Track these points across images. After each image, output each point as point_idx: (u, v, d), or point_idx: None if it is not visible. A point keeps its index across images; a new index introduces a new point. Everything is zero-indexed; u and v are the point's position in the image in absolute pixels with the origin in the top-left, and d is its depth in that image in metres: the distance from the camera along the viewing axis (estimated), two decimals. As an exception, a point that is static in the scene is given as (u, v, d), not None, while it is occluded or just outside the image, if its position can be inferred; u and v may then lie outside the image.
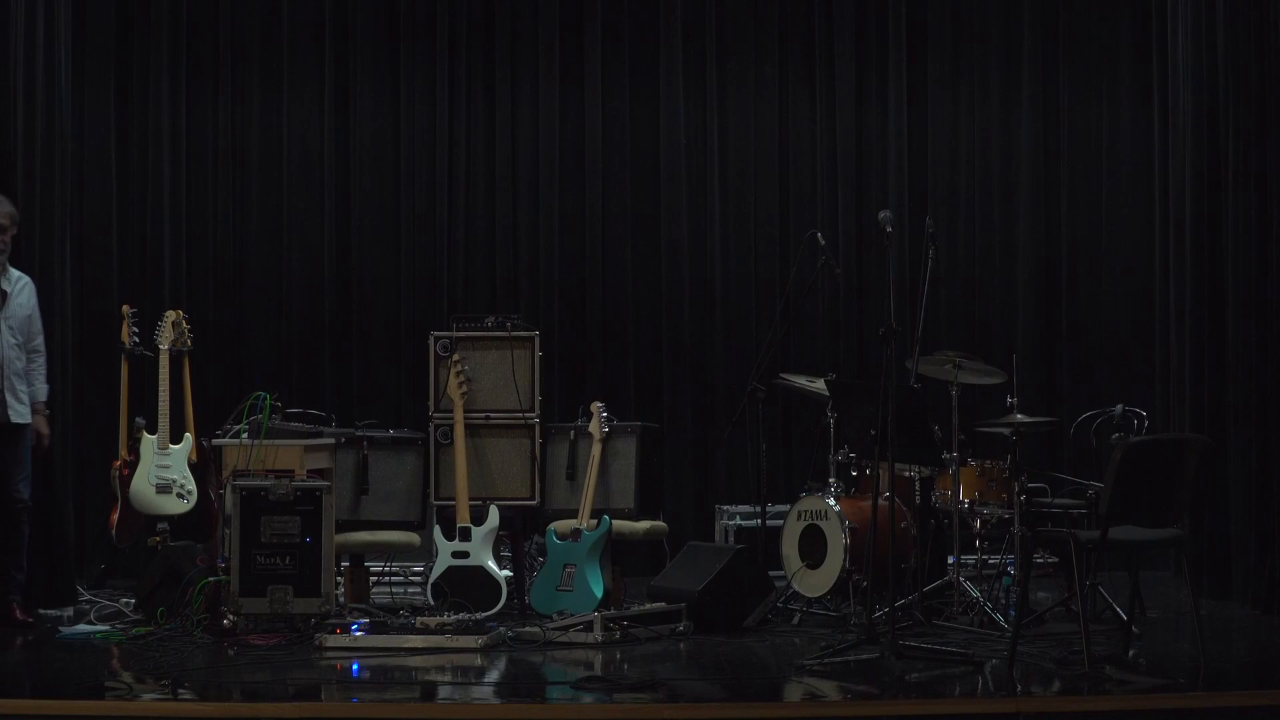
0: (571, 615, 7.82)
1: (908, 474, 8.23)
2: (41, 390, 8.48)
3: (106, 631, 7.86)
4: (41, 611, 8.57)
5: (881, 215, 7.66)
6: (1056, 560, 8.46)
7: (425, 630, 7.56)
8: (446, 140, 10.52)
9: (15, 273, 8.44)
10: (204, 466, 9.01)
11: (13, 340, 8.31)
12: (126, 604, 8.44)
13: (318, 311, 10.45)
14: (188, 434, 9.05)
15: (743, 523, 9.91)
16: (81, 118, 10.17)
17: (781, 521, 8.57)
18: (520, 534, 8.79)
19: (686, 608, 7.89)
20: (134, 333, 9.21)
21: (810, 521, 8.37)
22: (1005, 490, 8.13)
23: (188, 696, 6.52)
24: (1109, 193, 10.55)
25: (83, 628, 7.95)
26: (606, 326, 10.52)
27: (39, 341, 8.50)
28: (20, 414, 8.30)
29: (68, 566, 9.10)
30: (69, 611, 8.60)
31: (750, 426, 9.00)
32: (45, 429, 8.50)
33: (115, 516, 8.99)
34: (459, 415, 8.62)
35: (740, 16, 10.61)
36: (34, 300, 8.48)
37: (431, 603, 8.32)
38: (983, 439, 8.78)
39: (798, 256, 9.58)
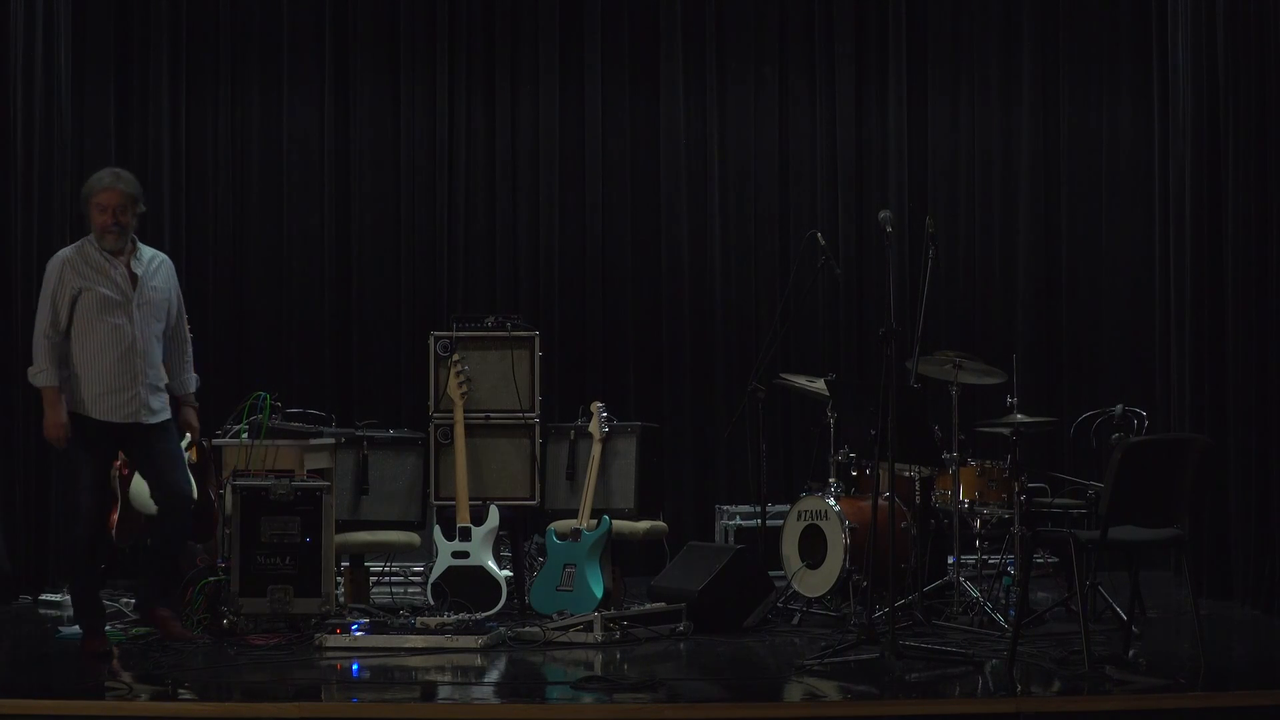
0: (571, 615, 7.82)
1: (908, 474, 8.23)
2: (190, 380, 7.71)
3: (107, 631, 7.84)
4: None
5: (881, 215, 7.66)
6: (1056, 560, 8.47)
7: (425, 630, 7.56)
8: (446, 140, 10.52)
9: (149, 251, 7.53)
10: (204, 466, 9.00)
11: (148, 330, 7.39)
12: (126, 604, 8.43)
13: (318, 311, 10.44)
14: (188, 434, 9.05)
15: (743, 523, 9.91)
16: (81, 117, 10.18)
17: (781, 521, 8.57)
18: (520, 534, 8.79)
19: (686, 608, 7.89)
20: (134, 333, 9.20)
21: (810, 521, 8.37)
22: (1005, 490, 8.13)
23: (188, 696, 6.51)
24: (1109, 193, 10.55)
25: (83, 628, 7.94)
26: (606, 326, 10.52)
27: (184, 327, 7.71)
28: (158, 414, 7.42)
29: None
30: (69, 611, 8.59)
31: (750, 426, 9.00)
32: (195, 422, 7.76)
33: (115, 516, 8.98)
34: (459, 415, 8.62)
35: (740, 16, 10.61)
36: (174, 281, 7.61)
37: (431, 603, 8.32)
38: (983, 439, 8.78)
39: (798, 256, 9.58)
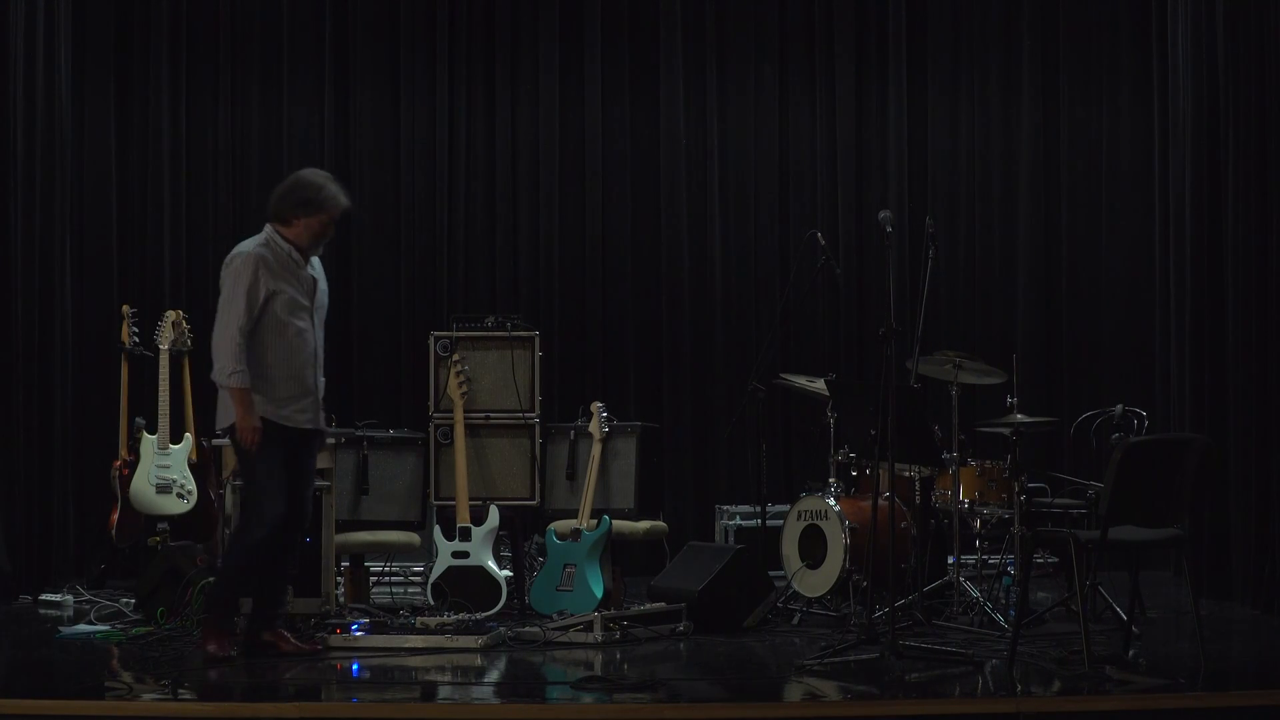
0: (571, 615, 7.82)
1: (908, 474, 8.23)
2: (321, 384, 7.44)
3: (106, 631, 7.86)
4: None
5: (881, 215, 7.66)
6: (1056, 560, 8.46)
7: (425, 630, 7.55)
8: (446, 140, 10.52)
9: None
10: (204, 466, 9.02)
11: (320, 334, 7.28)
12: (126, 604, 8.44)
13: (318, 311, 10.43)
14: (188, 434, 9.06)
15: (743, 523, 9.91)
16: (81, 118, 10.18)
17: (781, 521, 8.57)
18: (520, 534, 8.78)
19: (686, 608, 7.89)
20: (134, 333, 9.22)
21: (810, 521, 8.37)
22: (1005, 490, 8.13)
23: (188, 696, 6.52)
24: (1109, 193, 10.55)
25: (83, 628, 7.94)
26: (606, 326, 10.51)
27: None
28: (322, 419, 7.38)
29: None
30: (69, 611, 8.60)
31: (750, 426, 8.99)
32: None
33: (115, 516, 9.00)
34: (459, 415, 8.62)
35: (740, 17, 10.61)
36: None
37: (431, 603, 8.31)
38: (983, 439, 8.78)
39: (798, 256, 9.58)
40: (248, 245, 7.19)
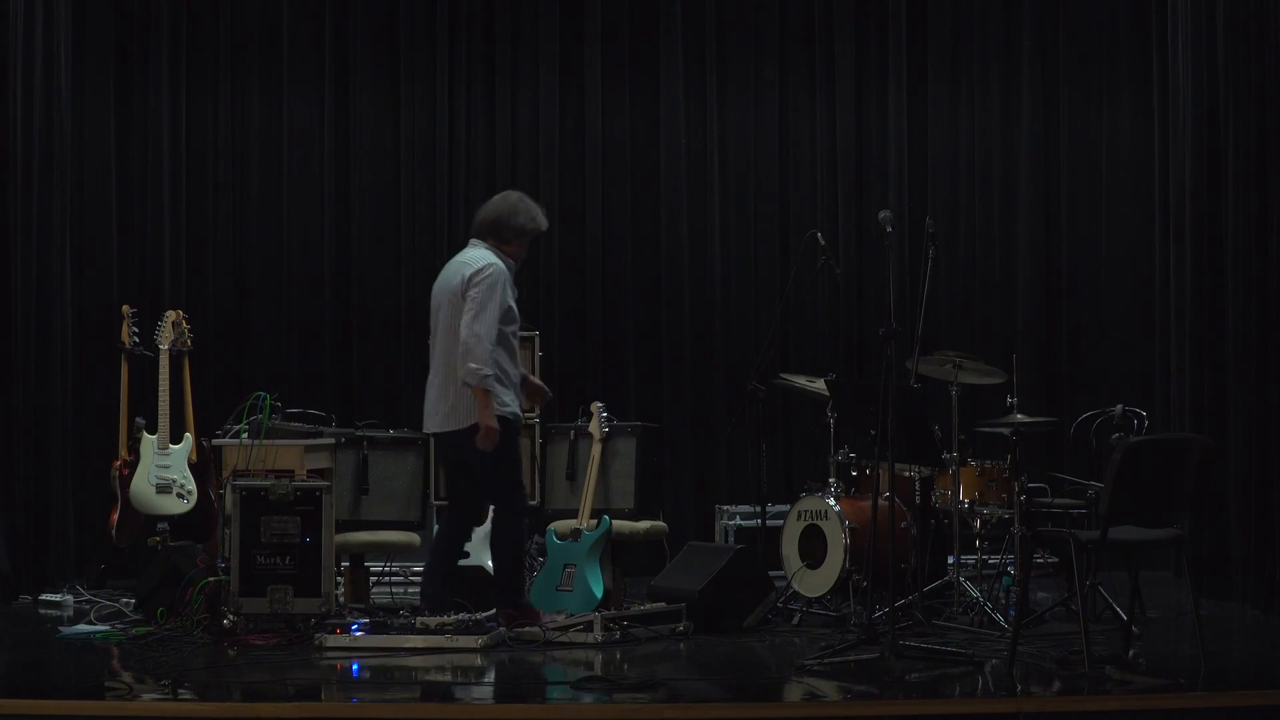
0: (571, 615, 7.82)
1: (908, 474, 8.23)
2: None
3: (106, 631, 7.86)
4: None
5: (881, 215, 7.66)
6: (1056, 560, 8.47)
7: (425, 630, 7.55)
8: (446, 140, 10.52)
9: None
10: (204, 466, 9.02)
11: None
12: (126, 604, 8.44)
13: (318, 311, 10.44)
14: (188, 434, 9.06)
15: (743, 523, 9.91)
16: (81, 118, 10.17)
17: (781, 521, 8.57)
18: (520, 534, 8.78)
19: (686, 608, 7.89)
20: (134, 333, 9.22)
21: (810, 521, 8.37)
22: (1005, 490, 8.13)
23: (188, 696, 6.51)
24: (1109, 193, 10.55)
25: (83, 628, 7.94)
26: (606, 326, 10.51)
27: None
28: None
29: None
30: (69, 611, 8.60)
31: (750, 426, 8.99)
32: None
33: (115, 516, 8.99)
34: (459, 415, 8.60)
35: (740, 17, 10.61)
36: None
37: (431, 603, 8.31)
38: (983, 439, 8.78)
39: (798, 256, 9.58)
40: (492, 258, 7.71)
